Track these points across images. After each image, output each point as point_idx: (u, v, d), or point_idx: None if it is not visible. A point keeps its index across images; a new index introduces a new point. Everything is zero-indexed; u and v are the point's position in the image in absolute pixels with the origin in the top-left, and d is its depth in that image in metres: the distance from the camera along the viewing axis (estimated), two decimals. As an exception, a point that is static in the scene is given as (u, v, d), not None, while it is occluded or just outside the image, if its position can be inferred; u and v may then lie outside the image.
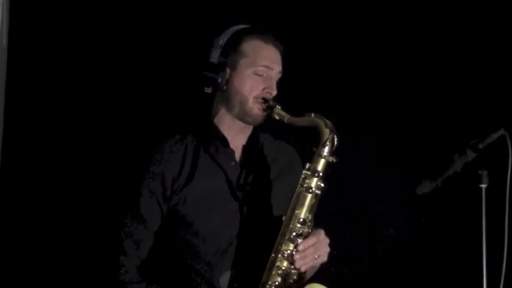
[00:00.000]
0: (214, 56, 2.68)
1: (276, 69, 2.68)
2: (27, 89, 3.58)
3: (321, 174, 2.54)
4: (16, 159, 3.56)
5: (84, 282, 3.43)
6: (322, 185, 2.55)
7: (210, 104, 2.74)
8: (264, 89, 2.66)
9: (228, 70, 2.67)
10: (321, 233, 2.57)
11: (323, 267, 2.66)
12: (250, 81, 2.66)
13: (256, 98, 2.65)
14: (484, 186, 2.93)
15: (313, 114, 2.57)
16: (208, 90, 2.69)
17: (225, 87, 2.68)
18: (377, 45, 3.70)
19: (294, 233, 2.53)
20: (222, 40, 2.68)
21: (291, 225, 2.53)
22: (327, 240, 2.58)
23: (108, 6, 3.59)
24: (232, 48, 2.66)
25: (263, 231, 2.59)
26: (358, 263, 3.69)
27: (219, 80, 2.66)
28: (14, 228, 3.54)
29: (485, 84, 3.61)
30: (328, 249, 2.59)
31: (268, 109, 2.64)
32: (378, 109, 3.70)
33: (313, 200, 2.55)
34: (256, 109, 2.66)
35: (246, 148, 2.72)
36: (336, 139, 2.53)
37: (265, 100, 2.65)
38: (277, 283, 2.53)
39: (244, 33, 2.68)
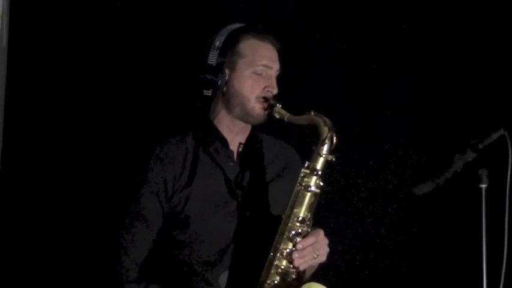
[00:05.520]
0: (212, 58, 2.66)
1: (274, 68, 2.67)
2: (27, 89, 3.58)
3: (320, 172, 2.53)
4: (16, 159, 3.55)
5: (84, 281, 3.43)
6: (322, 183, 2.54)
7: (209, 104, 2.73)
8: (264, 88, 2.65)
9: (226, 71, 2.66)
10: (320, 233, 2.56)
11: (322, 267, 2.66)
12: (250, 82, 2.65)
13: (258, 97, 2.64)
14: (484, 186, 2.94)
15: (312, 113, 2.56)
16: (208, 93, 2.68)
17: (225, 89, 2.67)
18: (376, 44, 3.70)
19: (293, 232, 2.52)
20: (218, 41, 2.66)
21: (289, 224, 2.53)
22: (326, 241, 2.57)
23: (108, 6, 3.59)
24: (230, 49, 2.65)
25: (262, 231, 2.58)
26: (358, 262, 3.69)
27: (219, 82, 2.65)
28: (14, 228, 3.54)
29: (485, 84, 3.62)
30: (327, 249, 2.57)
31: (269, 108, 2.63)
32: (378, 109, 3.71)
33: (312, 199, 2.54)
34: (258, 109, 2.65)
35: (245, 148, 2.72)
36: (335, 137, 2.53)
37: (266, 99, 2.64)
38: (275, 282, 2.52)
39: (240, 33, 2.66)
